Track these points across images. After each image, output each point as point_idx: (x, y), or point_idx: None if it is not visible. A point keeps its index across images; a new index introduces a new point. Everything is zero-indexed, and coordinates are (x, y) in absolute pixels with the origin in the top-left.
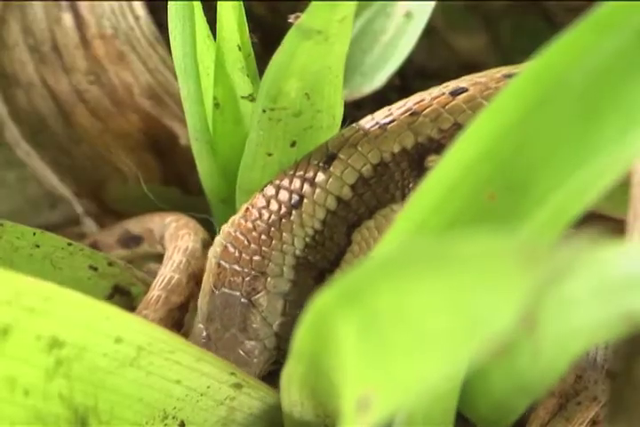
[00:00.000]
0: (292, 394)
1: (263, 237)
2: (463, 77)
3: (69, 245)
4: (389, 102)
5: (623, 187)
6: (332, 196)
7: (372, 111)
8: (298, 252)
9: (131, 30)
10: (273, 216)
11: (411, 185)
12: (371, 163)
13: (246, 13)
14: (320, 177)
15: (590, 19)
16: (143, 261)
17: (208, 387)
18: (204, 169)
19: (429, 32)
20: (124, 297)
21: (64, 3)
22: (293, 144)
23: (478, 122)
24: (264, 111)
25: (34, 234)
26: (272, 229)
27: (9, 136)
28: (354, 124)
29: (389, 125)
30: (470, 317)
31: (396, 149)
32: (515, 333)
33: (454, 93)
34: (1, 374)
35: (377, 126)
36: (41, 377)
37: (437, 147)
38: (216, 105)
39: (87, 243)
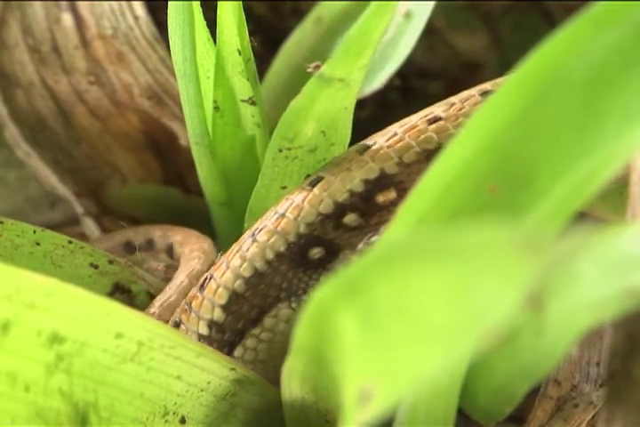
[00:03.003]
0: (293, 389)
1: None
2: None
3: (70, 242)
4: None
5: (620, 189)
6: (204, 320)
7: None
8: None
9: (130, 30)
10: None
11: (299, 280)
12: (243, 277)
13: (246, 13)
14: (195, 301)
15: (590, 13)
16: (144, 260)
17: (209, 383)
18: (204, 172)
19: (429, 32)
20: (125, 295)
21: (64, 3)
22: (307, 177)
23: (479, 116)
24: (280, 151)
25: (34, 232)
26: None
27: (9, 136)
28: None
29: (259, 235)
30: (471, 307)
31: (270, 255)
32: (518, 318)
33: (313, 184)
34: (1, 369)
35: (250, 240)
36: (41, 373)
37: (314, 239)
38: (216, 108)
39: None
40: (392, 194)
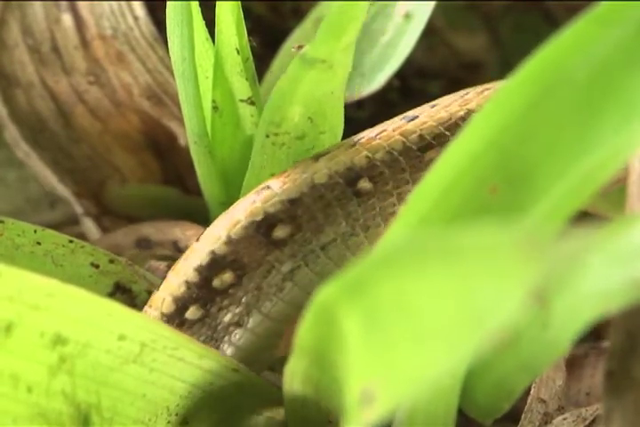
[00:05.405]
0: (295, 390)
1: None
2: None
3: (70, 242)
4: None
5: (619, 186)
6: None
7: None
8: None
9: (130, 30)
10: None
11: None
12: None
13: (246, 13)
14: None
15: (593, 12)
16: (145, 259)
17: (211, 384)
18: (203, 172)
19: (429, 32)
20: (126, 295)
21: (63, 3)
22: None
23: (480, 117)
24: (267, 136)
25: (35, 231)
26: None
27: (9, 137)
28: None
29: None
30: (475, 307)
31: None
32: (522, 316)
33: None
34: (4, 370)
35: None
36: (44, 374)
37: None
38: (215, 108)
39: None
40: (228, 276)
